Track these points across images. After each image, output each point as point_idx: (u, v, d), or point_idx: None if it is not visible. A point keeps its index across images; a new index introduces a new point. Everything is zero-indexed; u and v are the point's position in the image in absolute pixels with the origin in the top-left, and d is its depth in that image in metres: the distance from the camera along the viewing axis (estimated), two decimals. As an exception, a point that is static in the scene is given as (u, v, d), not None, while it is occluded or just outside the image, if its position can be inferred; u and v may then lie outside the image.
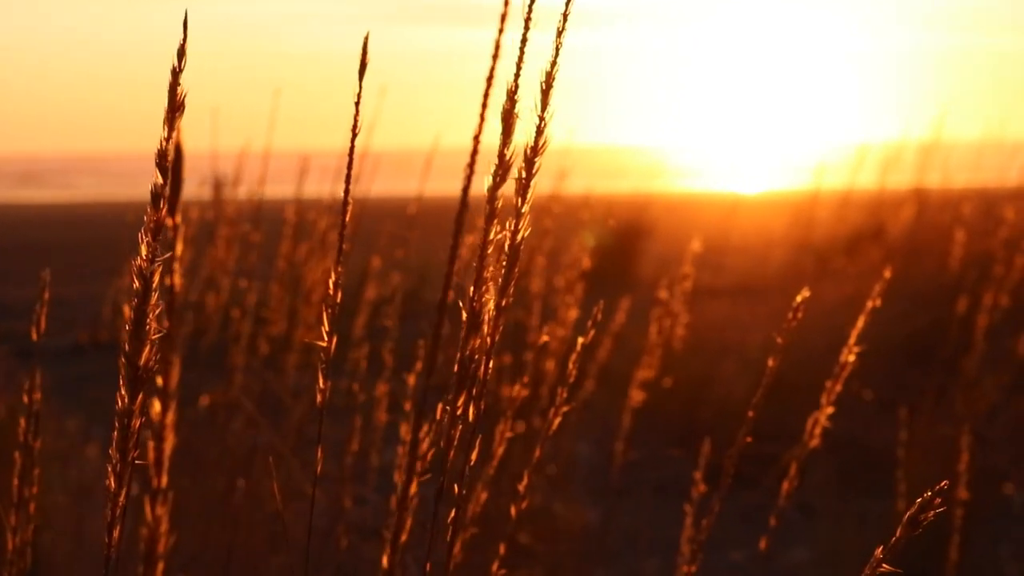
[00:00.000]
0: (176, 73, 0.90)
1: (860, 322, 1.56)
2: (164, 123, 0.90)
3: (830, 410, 1.59)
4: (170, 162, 0.86)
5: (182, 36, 0.90)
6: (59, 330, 8.35)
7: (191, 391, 3.07)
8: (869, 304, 1.56)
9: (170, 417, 0.79)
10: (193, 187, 3.25)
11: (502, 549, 1.42)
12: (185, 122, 0.94)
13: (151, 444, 0.81)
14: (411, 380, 1.85)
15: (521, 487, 1.58)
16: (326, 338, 1.07)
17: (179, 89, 0.90)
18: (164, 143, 0.88)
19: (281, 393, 2.86)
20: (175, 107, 0.90)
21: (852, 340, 1.55)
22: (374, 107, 3.08)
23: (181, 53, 0.91)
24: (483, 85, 1.03)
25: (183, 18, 0.91)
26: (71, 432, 3.46)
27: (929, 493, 1.10)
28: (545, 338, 2.45)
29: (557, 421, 1.65)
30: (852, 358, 1.58)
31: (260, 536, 2.57)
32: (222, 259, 2.95)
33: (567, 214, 3.75)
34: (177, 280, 0.83)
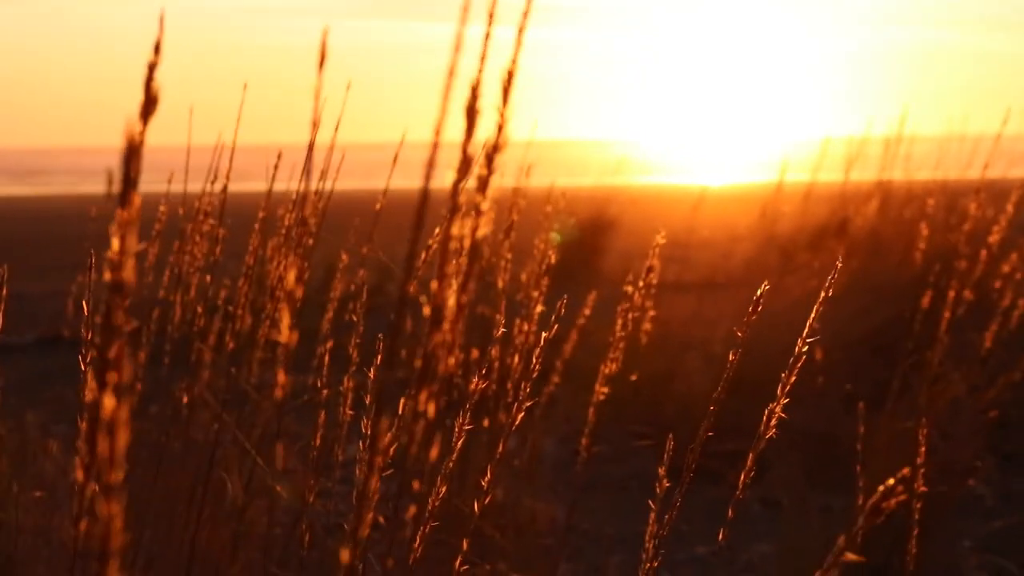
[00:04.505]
0: (152, 68, 0.90)
1: (813, 313, 1.56)
2: (139, 118, 0.89)
3: (785, 401, 1.59)
4: (137, 157, 0.85)
5: (158, 31, 0.89)
6: (20, 326, 8.30)
7: (157, 388, 3.05)
8: (822, 295, 1.56)
9: (124, 412, 0.79)
10: (163, 183, 3.23)
11: (464, 544, 1.42)
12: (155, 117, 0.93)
13: (105, 439, 0.80)
14: (371, 375, 1.85)
15: (484, 482, 1.58)
16: (286, 333, 1.06)
17: (153, 84, 0.89)
18: (138, 138, 0.87)
19: (247, 388, 2.85)
20: (149, 101, 0.89)
21: (805, 332, 1.56)
22: (341, 101, 3.06)
23: (157, 47, 0.90)
24: (445, 79, 1.03)
25: (160, 14, 0.90)
26: (32, 428, 3.44)
27: (892, 481, 1.10)
28: (503, 329, 2.44)
29: (520, 416, 1.65)
30: (805, 349, 1.58)
31: (224, 533, 2.56)
32: (190, 255, 2.94)
33: (532, 209, 3.75)
34: (130, 276, 0.82)
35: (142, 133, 0.89)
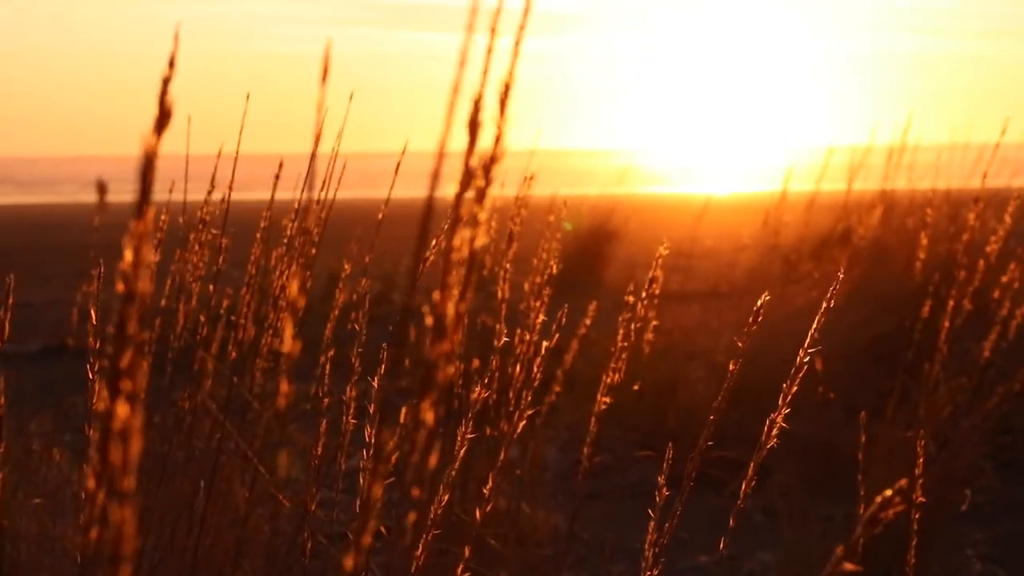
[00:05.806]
0: (166, 82, 0.90)
1: (815, 323, 1.57)
2: (154, 131, 0.90)
3: (786, 411, 1.60)
4: (152, 170, 0.87)
5: (173, 45, 0.89)
6: (23, 334, 8.31)
7: (159, 396, 3.06)
8: (824, 305, 1.57)
9: (137, 420, 0.80)
10: (164, 192, 3.24)
11: (467, 552, 1.43)
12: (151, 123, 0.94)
13: (117, 447, 0.81)
14: (375, 384, 1.86)
15: (486, 490, 1.59)
16: (289, 343, 1.07)
17: (167, 99, 0.90)
18: (152, 150, 0.88)
19: (249, 397, 2.85)
20: (164, 115, 0.90)
21: (807, 342, 1.57)
22: (344, 111, 3.07)
23: (172, 62, 0.91)
24: (449, 92, 1.04)
25: (175, 29, 0.90)
26: (36, 437, 3.44)
27: (889, 492, 1.11)
28: (504, 339, 2.45)
29: (521, 424, 1.66)
30: (807, 359, 1.59)
31: (227, 541, 2.56)
32: (192, 264, 2.95)
33: (534, 219, 3.76)
34: (145, 287, 0.83)
35: (156, 146, 0.90)
